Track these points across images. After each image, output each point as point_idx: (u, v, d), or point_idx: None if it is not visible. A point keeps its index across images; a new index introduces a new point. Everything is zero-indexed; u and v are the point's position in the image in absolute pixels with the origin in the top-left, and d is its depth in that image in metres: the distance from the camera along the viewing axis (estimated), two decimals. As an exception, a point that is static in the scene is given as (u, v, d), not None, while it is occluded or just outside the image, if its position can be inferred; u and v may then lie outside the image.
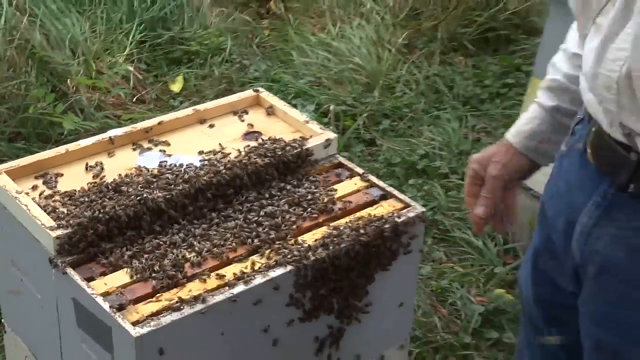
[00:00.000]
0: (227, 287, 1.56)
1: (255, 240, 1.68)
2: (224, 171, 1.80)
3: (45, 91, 3.35)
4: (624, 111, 1.23)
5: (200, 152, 1.88)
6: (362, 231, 1.70)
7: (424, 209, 1.81)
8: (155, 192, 1.71)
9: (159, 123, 1.97)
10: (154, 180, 1.77)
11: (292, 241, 1.69)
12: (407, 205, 1.80)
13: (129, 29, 3.95)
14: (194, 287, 1.55)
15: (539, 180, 2.82)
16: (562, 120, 1.59)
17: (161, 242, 1.66)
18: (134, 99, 3.66)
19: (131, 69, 3.73)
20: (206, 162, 1.83)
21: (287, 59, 4.13)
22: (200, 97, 3.69)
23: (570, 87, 1.55)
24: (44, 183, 1.77)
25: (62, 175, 1.80)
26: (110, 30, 3.90)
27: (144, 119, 2.00)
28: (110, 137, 1.91)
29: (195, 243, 1.67)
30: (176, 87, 3.79)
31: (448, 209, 3.23)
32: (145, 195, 1.70)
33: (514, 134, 1.62)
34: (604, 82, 1.25)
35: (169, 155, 1.88)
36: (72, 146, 1.88)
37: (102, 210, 1.65)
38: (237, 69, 4.00)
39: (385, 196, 1.83)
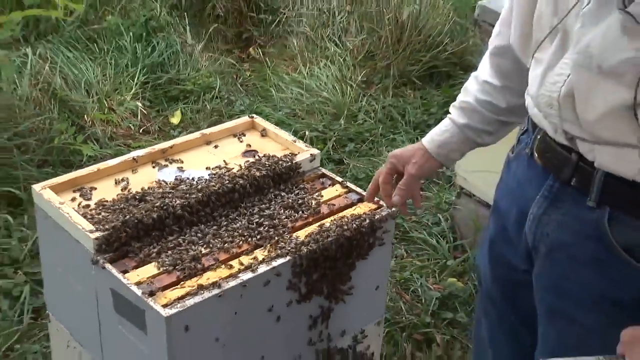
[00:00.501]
0: (237, 275, 1.57)
1: (258, 238, 1.69)
2: (228, 182, 1.80)
3: (66, 125, 3.34)
4: (565, 122, 1.27)
5: (208, 168, 1.89)
6: (345, 227, 1.72)
7: (394, 209, 1.81)
8: (174, 200, 1.72)
9: (172, 146, 1.97)
10: (172, 191, 1.77)
11: (288, 237, 1.69)
12: (380, 206, 1.81)
13: (134, 72, 3.94)
14: (211, 276, 1.56)
15: (480, 189, 2.90)
16: (469, 135, 1.63)
17: (181, 241, 1.67)
18: (141, 130, 3.65)
19: (138, 104, 3.74)
20: (214, 175, 1.84)
21: (266, 94, 4.13)
22: (196, 127, 3.67)
23: (479, 109, 1.59)
24: (80, 195, 1.77)
25: (95, 188, 1.81)
26: (118, 74, 3.88)
27: (150, 146, 2.03)
28: (133, 158, 1.91)
29: (209, 241, 1.68)
30: (175, 119, 3.79)
31: (409, 213, 3.22)
32: (166, 202, 1.71)
33: (429, 140, 1.66)
34: (546, 100, 1.29)
35: (183, 171, 1.89)
36: (102, 165, 1.88)
37: (131, 216, 1.66)
38: (225, 104, 4.00)
39: (362, 199, 1.84)
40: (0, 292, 2.66)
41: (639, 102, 1.16)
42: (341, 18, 4.60)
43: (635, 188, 1.24)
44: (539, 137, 1.38)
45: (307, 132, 3.69)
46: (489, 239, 1.60)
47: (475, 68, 1.71)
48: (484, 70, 1.61)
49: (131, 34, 4.14)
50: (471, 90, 1.62)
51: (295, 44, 4.50)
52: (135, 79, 3.90)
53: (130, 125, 3.66)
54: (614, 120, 1.20)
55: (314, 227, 1.74)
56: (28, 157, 3.10)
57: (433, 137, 1.66)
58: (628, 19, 1.11)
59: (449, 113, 1.66)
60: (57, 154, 3.19)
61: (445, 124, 1.65)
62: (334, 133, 3.79)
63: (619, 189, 1.26)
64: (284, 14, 4.68)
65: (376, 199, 1.82)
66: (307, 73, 4.22)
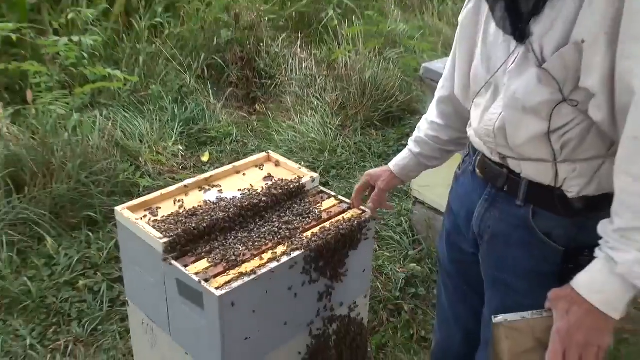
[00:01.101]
0: (266, 265, 1.59)
1: (279, 237, 1.71)
2: (255, 199, 1.82)
3: (127, 165, 3.35)
4: (499, 146, 1.29)
5: (240, 189, 1.90)
6: (340, 227, 1.75)
7: (375, 214, 1.85)
8: (217, 213, 1.74)
9: (212, 176, 1.98)
10: (215, 207, 1.79)
11: (300, 236, 1.71)
12: (364, 212, 1.83)
13: (173, 125, 3.93)
14: (248, 266, 1.58)
15: (430, 198, 2.92)
16: (422, 160, 1.67)
17: (224, 242, 1.69)
18: (180, 167, 3.65)
19: (177, 148, 3.74)
20: (244, 195, 1.85)
21: (270, 137, 4.12)
22: (220, 164, 3.66)
23: (429, 141, 1.63)
24: (150, 213, 1.78)
25: (160, 208, 1.81)
26: (162, 127, 3.87)
27: (194, 177, 2.05)
28: (185, 185, 1.92)
29: (244, 241, 1.69)
30: (205, 158, 3.78)
31: (378, 218, 3.24)
32: (212, 215, 1.73)
33: (394, 165, 1.71)
34: (485, 132, 1.31)
35: (222, 192, 1.91)
36: (164, 191, 1.89)
37: (188, 226, 1.67)
38: (240, 146, 4.00)
39: (350, 207, 1.86)
40: (85, 288, 2.66)
41: (552, 130, 1.17)
42: (320, 80, 4.61)
43: (550, 191, 1.25)
44: (479, 158, 1.40)
45: (301, 163, 3.68)
46: (446, 232, 1.60)
47: (419, 113, 1.76)
48: (432, 113, 1.63)
49: (169, 97, 4.13)
50: (422, 128, 1.65)
51: (289, 100, 4.49)
52: (175, 130, 3.90)
53: (173, 163, 3.65)
54: (534, 144, 1.22)
55: (318, 229, 1.76)
56: (100, 189, 3.10)
57: (397, 162, 1.70)
58: (543, 73, 1.14)
59: (407, 145, 1.69)
60: (121, 187, 3.20)
61: (405, 153, 1.69)
62: (321, 163, 3.80)
63: (539, 192, 1.27)
64: (280, 79, 4.67)
65: (362, 207, 1.85)
66: (298, 121, 4.23)
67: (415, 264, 2.90)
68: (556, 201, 1.25)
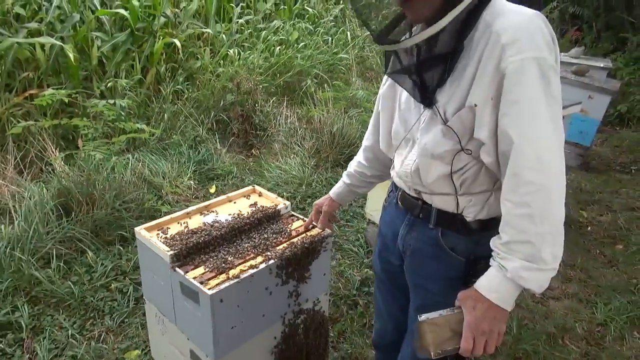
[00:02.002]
0: (248, 271, 1.58)
1: (259, 250, 1.70)
2: (242, 221, 1.81)
3: (152, 196, 3.33)
4: (415, 184, 1.30)
5: (231, 214, 1.88)
6: (305, 242, 1.74)
7: (333, 232, 1.84)
8: (213, 232, 1.73)
9: (210, 204, 1.97)
10: (211, 227, 1.77)
11: (275, 249, 1.70)
12: (323, 230, 1.81)
13: (188, 165, 3.91)
14: (234, 272, 1.57)
15: (378, 219, 2.91)
16: (352, 189, 1.68)
17: (217, 254, 1.67)
18: (193, 197, 3.62)
19: (191, 182, 3.71)
20: (235, 218, 1.84)
21: (262, 174, 4.10)
22: (224, 194, 3.66)
23: (357, 176, 1.65)
24: (161, 232, 1.76)
25: (169, 228, 1.79)
26: (180, 167, 3.85)
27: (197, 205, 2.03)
28: (187, 212, 1.90)
29: (232, 253, 1.68)
30: (212, 190, 3.75)
31: (340, 235, 3.26)
32: (209, 233, 1.72)
33: (332, 193, 1.73)
34: (404, 174, 1.31)
35: (217, 216, 1.88)
36: (172, 215, 1.87)
37: (190, 242, 1.66)
38: (239, 180, 3.97)
39: (314, 227, 1.84)
40: (116, 290, 2.62)
41: (453, 171, 1.19)
42: (301, 131, 4.63)
43: (453, 216, 1.26)
44: (399, 193, 1.40)
45: (285, 194, 3.70)
46: (378, 249, 1.59)
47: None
48: (359, 156, 1.65)
49: (186, 144, 4.13)
50: (352, 165, 1.67)
51: (277, 146, 4.50)
52: (189, 169, 3.88)
53: (187, 194, 3.63)
54: (441, 182, 1.23)
55: (288, 243, 1.75)
56: (130, 214, 3.09)
57: (334, 191, 1.72)
58: (446, 129, 1.16)
59: (342, 177, 1.71)
60: (147, 212, 3.17)
61: (340, 183, 1.71)
62: (300, 194, 3.79)
63: (445, 218, 1.28)
64: (270, 131, 4.68)
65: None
66: (283, 162, 4.22)
67: (368, 269, 2.90)
68: (458, 224, 1.26)
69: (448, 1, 1.07)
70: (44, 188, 3.02)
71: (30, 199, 2.89)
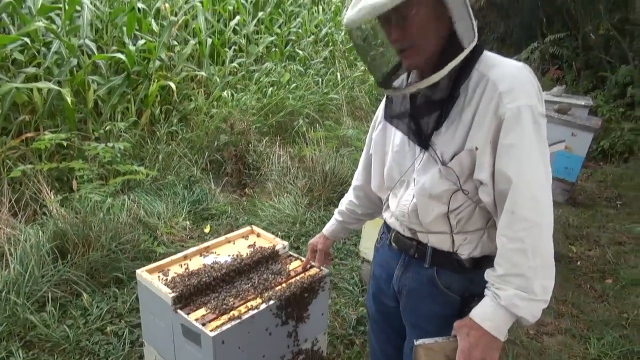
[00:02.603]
0: (249, 312, 1.61)
1: (259, 290, 1.73)
2: (241, 262, 1.85)
3: (147, 237, 3.32)
4: (412, 223, 1.33)
5: (230, 255, 1.92)
6: (304, 282, 1.78)
7: (330, 271, 1.89)
8: (213, 273, 1.76)
9: (210, 245, 2.01)
10: (211, 268, 1.80)
11: (275, 289, 1.73)
12: (320, 270, 1.86)
13: (183, 205, 3.92)
14: (235, 313, 1.60)
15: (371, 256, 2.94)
16: (344, 225, 1.72)
17: (218, 295, 1.70)
18: (188, 237, 3.62)
19: (186, 223, 3.72)
20: (234, 259, 1.88)
21: (256, 214, 4.11)
22: (218, 234, 3.65)
23: (348, 213, 1.69)
24: (162, 274, 1.79)
25: (169, 269, 1.83)
26: (175, 207, 3.86)
27: (196, 247, 2.05)
28: (184, 255, 1.93)
29: (233, 294, 1.70)
30: (207, 230, 3.75)
31: (335, 273, 3.27)
32: (209, 274, 1.75)
33: (326, 230, 1.75)
34: (401, 213, 1.35)
35: (216, 257, 1.92)
36: (173, 257, 1.91)
37: (191, 284, 1.69)
38: (233, 220, 3.97)
39: (312, 266, 1.89)
40: (111, 333, 2.60)
41: (450, 211, 1.25)
42: (293, 171, 4.67)
43: (448, 255, 1.31)
44: (393, 234, 1.43)
45: (279, 233, 3.72)
46: (372, 291, 1.60)
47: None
48: (350, 194, 1.69)
49: (181, 185, 4.15)
50: (344, 203, 1.71)
51: (270, 185, 4.52)
52: (184, 209, 3.89)
53: (182, 234, 3.63)
54: (438, 221, 1.28)
55: (287, 283, 1.78)
56: (126, 255, 3.08)
57: (327, 228, 1.75)
58: (445, 170, 1.21)
59: (334, 215, 1.75)
60: (142, 253, 3.16)
61: (332, 221, 1.75)
62: (293, 232, 3.81)
63: (440, 256, 1.32)
64: (263, 170, 4.72)
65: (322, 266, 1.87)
66: (277, 201, 4.25)
67: (363, 307, 2.89)
68: (453, 262, 1.31)
69: (445, 53, 1.16)
70: (40, 230, 3.02)
71: (26, 241, 2.89)
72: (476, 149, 1.17)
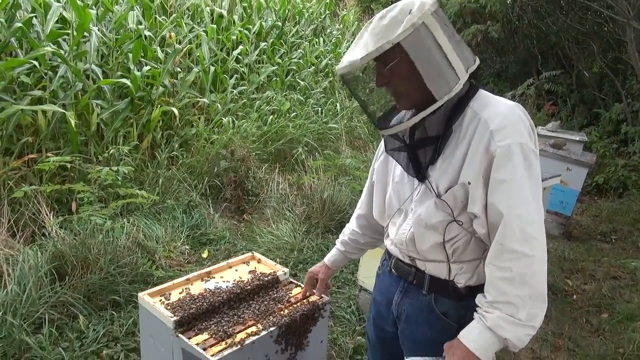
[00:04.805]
0: (250, 338, 1.62)
1: (260, 316, 1.74)
2: (243, 288, 1.86)
3: (145, 260, 3.32)
4: (410, 251, 1.37)
5: (231, 280, 1.93)
6: (304, 309, 1.79)
7: (329, 298, 1.89)
8: (214, 298, 1.77)
9: (211, 270, 2.03)
10: (212, 294, 1.81)
11: (275, 316, 1.75)
12: (321, 297, 1.87)
13: (182, 230, 3.92)
14: (235, 339, 1.61)
15: (370, 286, 2.94)
16: (346, 255, 1.74)
17: (219, 320, 1.71)
18: (186, 261, 3.62)
19: (185, 247, 3.73)
20: (235, 285, 1.89)
21: (254, 240, 4.12)
22: (216, 260, 3.65)
23: (350, 243, 1.72)
24: (164, 298, 1.80)
25: (171, 294, 1.84)
26: (173, 231, 3.86)
27: (194, 271, 2.05)
28: (187, 279, 1.94)
29: (234, 319, 1.71)
30: (205, 255, 3.74)
31: (332, 302, 3.25)
32: (211, 300, 1.77)
33: (327, 260, 1.76)
34: (399, 241, 1.39)
35: (218, 282, 1.93)
36: (174, 281, 1.91)
37: (192, 308, 1.71)
38: (231, 246, 3.98)
39: (312, 294, 1.89)
40: (107, 357, 2.58)
41: (446, 240, 1.29)
42: (292, 198, 4.70)
43: (445, 283, 1.35)
44: (393, 261, 1.47)
45: (277, 259, 3.71)
46: (372, 317, 1.63)
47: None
48: (352, 224, 1.72)
49: (180, 209, 4.17)
50: (346, 233, 1.74)
51: (269, 212, 4.54)
52: (183, 234, 3.89)
53: (180, 258, 3.63)
54: (434, 250, 1.32)
55: (287, 310, 1.79)
56: (124, 278, 3.07)
57: (329, 258, 1.77)
58: (440, 202, 1.26)
59: (336, 244, 1.77)
60: (140, 276, 3.16)
61: (334, 251, 1.77)
62: (291, 259, 3.82)
63: (438, 284, 1.36)
64: (262, 196, 4.75)
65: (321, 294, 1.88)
66: (275, 227, 4.26)
67: (360, 337, 2.89)
68: (450, 290, 1.35)
69: (425, 99, 1.22)
70: (39, 251, 3.03)
71: (24, 262, 2.89)
72: (469, 183, 1.22)
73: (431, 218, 1.28)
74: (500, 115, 1.21)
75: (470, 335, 1.22)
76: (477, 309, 1.24)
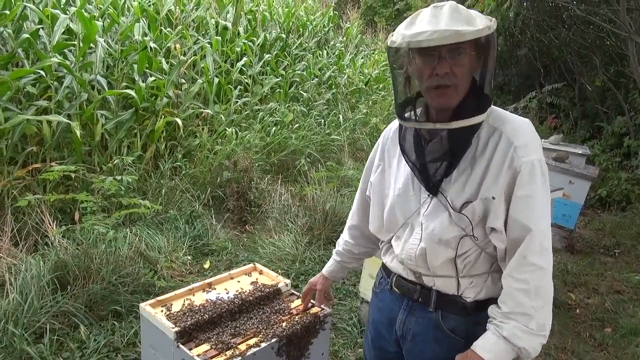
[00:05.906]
0: (251, 349, 1.61)
1: (261, 328, 1.73)
2: (244, 300, 1.85)
3: (147, 270, 3.32)
4: (418, 267, 1.35)
5: (233, 291, 1.92)
6: (305, 321, 1.78)
7: (331, 310, 1.88)
8: (216, 309, 1.76)
9: (213, 281, 2.02)
10: (214, 304, 1.81)
11: (276, 327, 1.73)
12: (322, 309, 1.86)
13: (184, 240, 3.93)
14: (236, 350, 1.60)
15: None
16: (343, 265, 1.74)
17: (220, 331, 1.70)
18: (188, 272, 3.62)
19: (187, 257, 3.73)
20: (237, 296, 1.88)
21: (256, 251, 4.11)
22: (218, 270, 3.66)
23: (345, 253, 1.72)
24: (166, 308, 1.80)
25: (172, 304, 1.83)
26: (175, 242, 3.87)
27: (195, 282, 2.04)
28: (190, 289, 1.94)
29: (235, 330, 1.71)
30: (207, 265, 3.74)
31: (334, 314, 3.24)
32: (212, 310, 1.76)
33: (325, 271, 1.78)
34: (407, 257, 1.36)
35: (219, 293, 1.93)
36: (176, 292, 1.91)
37: (194, 319, 1.70)
38: (233, 257, 3.98)
39: (313, 305, 1.88)
40: (108, 368, 2.59)
41: (458, 255, 1.28)
42: (294, 209, 4.70)
43: (453, 298, 1.34)
44: (394, 278, 1.46)
45: (279, 270, 3.71)
46: (371, 338, 1.61)
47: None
48: (346, 234, 1.73)
49: (183, 220, 4.17)
50: (340, 243, 1.74)
51: (271, 223, 4.54)
52: (185, 244, 3.90)
53: (182, 269, 3.63)
54: (446, 265, 1.31)
55: (289, 322, 1.78)
56: (126, 288, 3.07)
57: (326, 269, 1.78)
58: (457, 216, 1.25)
59: (332, 255, 1.77)
60: (142, 286, 3.16)
61: (331, 261, 1.78)
62: (293, 271, 3.81)
63: (445, 300, 1.35)
64: (265, 207, 4.75)
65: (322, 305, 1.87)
66: (277, 238, 4.26)
67: (361, 349, 2.83)
68: (458, 305, 1.34)
69: (469, 102, 1.23)
70: (41, 261, 3.03)
71: (26, 271, 2.90)
72: (493, 198, 1.23)
73: (445, 233, 1.28)
74: (521, 130, 1.25)
75: (485, 346, 1.23)
76: (490, 320, 1.26)
